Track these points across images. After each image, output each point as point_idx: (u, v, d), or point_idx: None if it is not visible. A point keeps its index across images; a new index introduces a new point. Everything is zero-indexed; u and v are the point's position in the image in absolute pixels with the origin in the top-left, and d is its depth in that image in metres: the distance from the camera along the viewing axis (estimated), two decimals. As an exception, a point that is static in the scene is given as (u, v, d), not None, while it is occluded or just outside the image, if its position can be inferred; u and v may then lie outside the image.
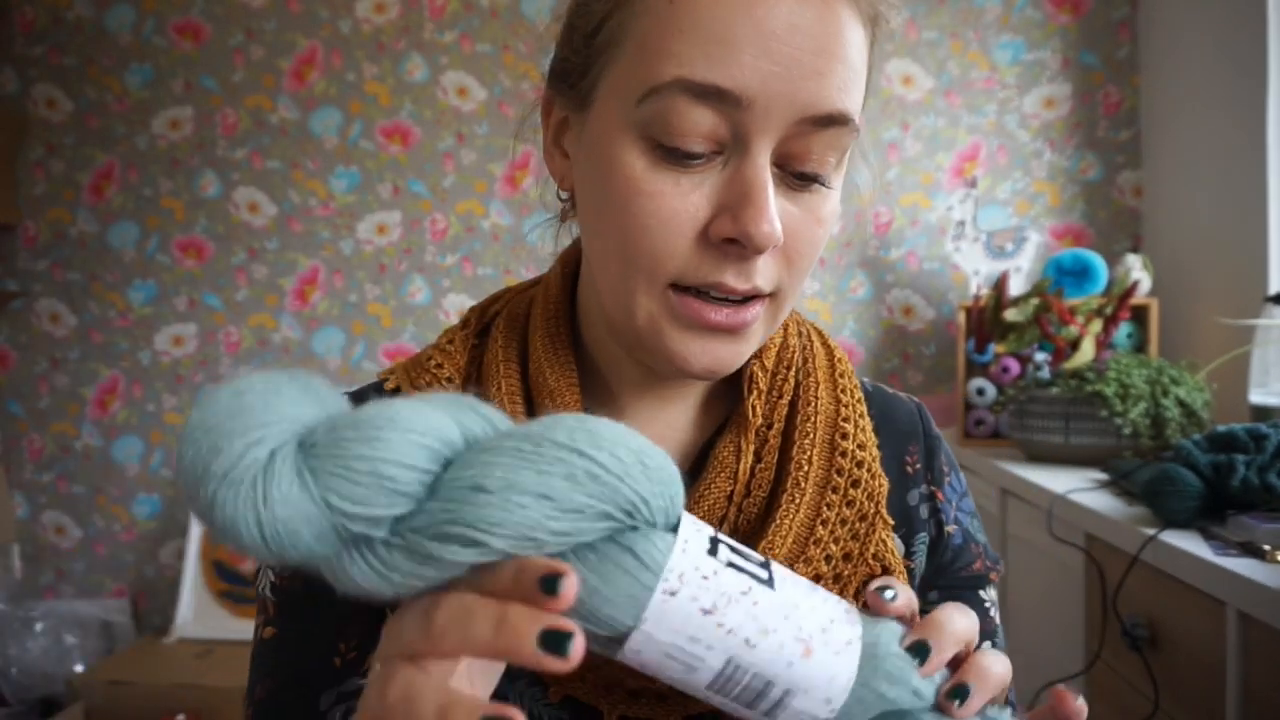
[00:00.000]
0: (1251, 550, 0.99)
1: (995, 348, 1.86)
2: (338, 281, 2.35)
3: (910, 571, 0.55)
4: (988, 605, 0.57)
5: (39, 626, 2.22)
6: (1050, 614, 1.47)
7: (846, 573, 0.50)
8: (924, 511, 0.57)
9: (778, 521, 0.49)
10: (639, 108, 0.43)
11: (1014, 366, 1.84)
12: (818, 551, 0.49)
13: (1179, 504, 1.11)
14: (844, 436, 0.52)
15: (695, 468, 0.53)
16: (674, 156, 0.43)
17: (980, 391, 1.89)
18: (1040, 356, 1.77)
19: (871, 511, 0.51)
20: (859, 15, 0.44)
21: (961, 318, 1.93)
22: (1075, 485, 1.39)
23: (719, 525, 0.50)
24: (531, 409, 0.52)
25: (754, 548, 0.48)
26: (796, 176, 0.44)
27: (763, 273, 0.45)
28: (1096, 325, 1.69)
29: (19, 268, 2.41)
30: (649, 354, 0.48)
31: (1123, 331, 1.82)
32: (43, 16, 2.38)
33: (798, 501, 0.49)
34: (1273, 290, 1.59)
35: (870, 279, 2.21)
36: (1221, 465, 1.12)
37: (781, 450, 0.52)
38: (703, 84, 0.41)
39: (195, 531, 2.25)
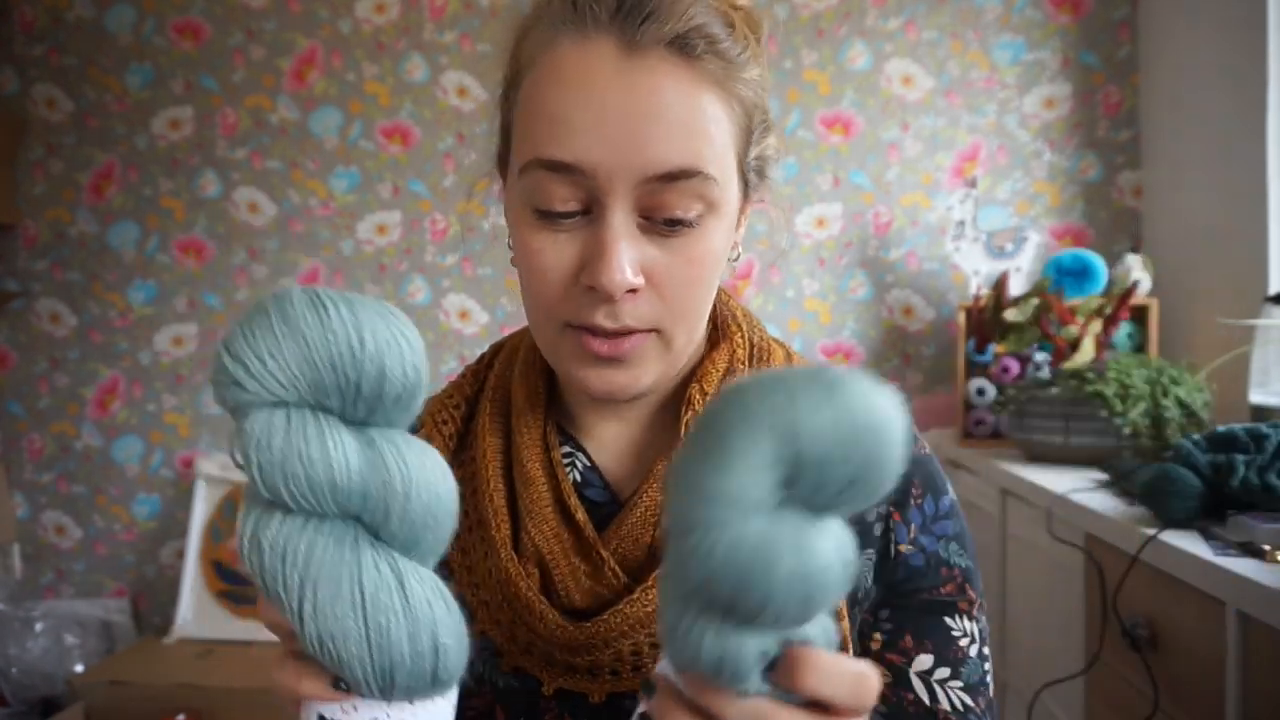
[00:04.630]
0: (1251, 550, 0.99)
1: (995, 348, 1.86)
2: (338, 281, 2.35)
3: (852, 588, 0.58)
4: (955, 634, 0.58)
5: (39, 626, 2.22)
6: (1050, 614, 1.47)
7: None
8: (878, 529, 0.59)
9: None
10: (520, 182, 0.52)
11: (1014, 366, 1.84)
12: None
13: (1179, 504, 1.11)
14: None
15: None
16: (547, 218, 0.51)
17: (980, 391, 1.89)
18: (1040, 356, 1.77)
19: None
20: (704, 81, 0.50)
21: (961, 318, 1.93)
22: (1075, 485, 1.39)
23: (651, 530, 0.56)
24: (509, 425, 0.61)
25: None
26: (663, 223, 0.51)
27: (633, 313, 0.51)
28: (1096, 325, 1.69)
29: (19, 268, 2.41)
30: (565, 381, 0.55)
31: (1123, 331, 1.82)
32: (43, 16, 2.38)
33: None
34: (1273, 290, 1.59)
35: (870, 279, 2.21)
36: (1221, 465, 1.12)
37: None
38: (551, 160, 0.49)
39: (195, 531, 2.25)
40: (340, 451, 0.37)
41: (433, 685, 0.39)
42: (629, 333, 0.51)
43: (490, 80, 2.28)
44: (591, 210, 0.50)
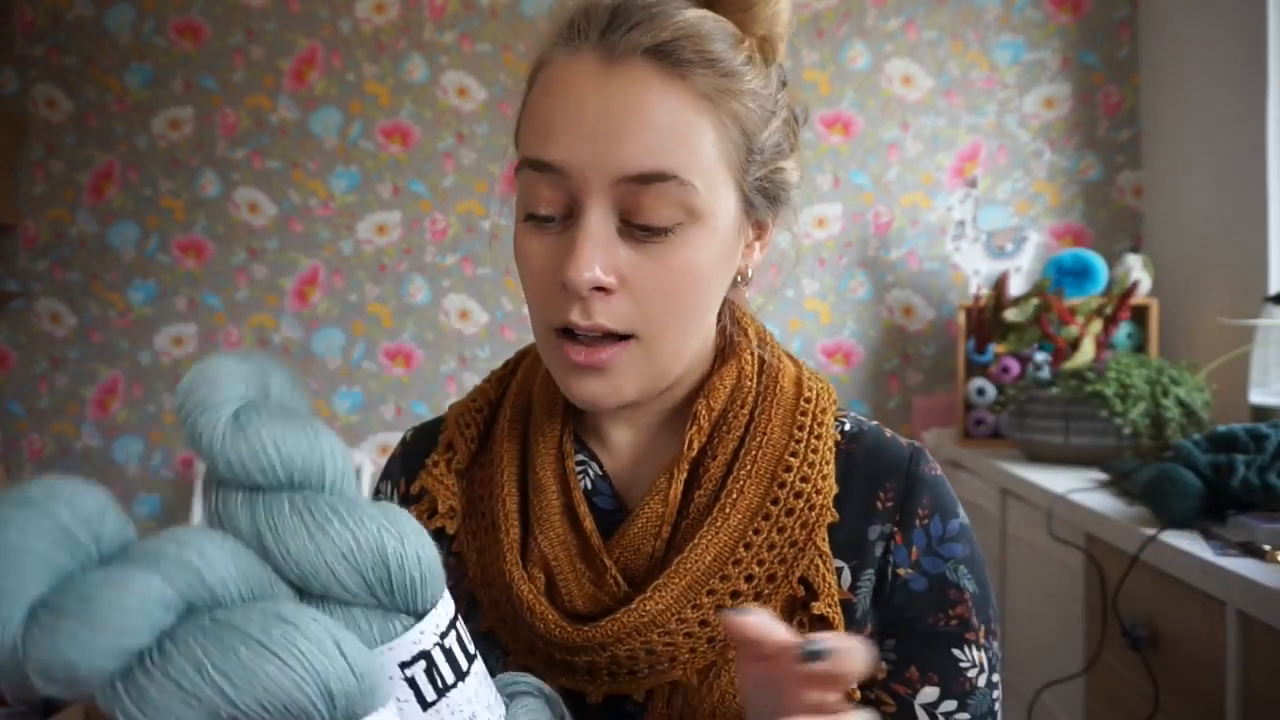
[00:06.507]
0: (1251, 550, 0.99)
1: (995, 348, 1.86)
2: (338, 281, 2.35)
3: (850, 605, 0.57)
4: (963, 665, 0.57)
5: (39, 626, 2.22)
6: (1050, 614, 1.47)
7: (768, 591, 0.56)
8: (879, 549, 0.58)
9: (697, 542, 0.55)
10: (517, 188, 0.54)
11: (1014, 366, 1.84)
12: (737, 571, 0.55)
13: (1179, 504, 1.11)
14: (787, 469, 0.57)
15: None
16: (535, 222, 0.53)
17: (980, 391, 1.89)
18: (1040, 356, 1.77)
19: (803, 539, 0.56)
20: (688, 92, 0.51)
21: (961, 318, 1.93)
22: (1075, 485, 1.39)
23: (653, 541, 0.57)
24: (527, 432, 0.62)
25: (675, 564, 0.55)
26: (640, 229, 0.52)
27: (605, 312, 0.52)
28: (1096, 325, 1.69)
29: (19, 268, 2.41)
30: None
31: (1123, 331, 1.82)
32: (43, 16, 2.38)
33: (719, 525, 0.55)
34: (1273, 290, 1.59)
35: (870, 279, 2.21)
36: (1221, 465, 1.12)
37: (722, 479, 0.57)
38: (534, 159, 0.52)
39: (195, 531, 2.25)
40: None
41: None
42: (605, 338, 0.52)
43: (490, 80, 2.28)
44: (572, 213, 0.52)
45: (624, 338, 0.53)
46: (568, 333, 0.53)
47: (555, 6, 0.56)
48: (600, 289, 0.51)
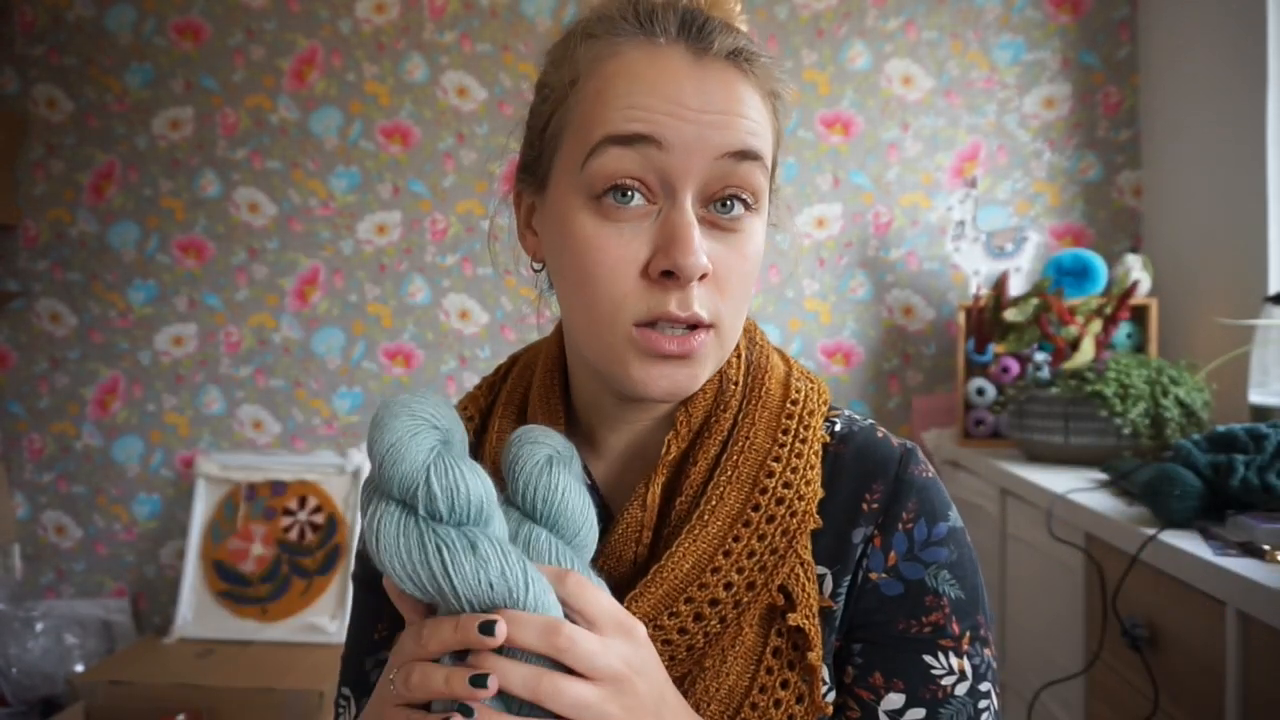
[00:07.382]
0: (1251, 550, 0.99)
1: (995, 348, 1.86)
2: (338, 281, 2.35)
3: (831, 613, 0.57)
4: (936, 672, 0.56)
5: (39, 626, 2.22)
6: (1050, 614, 1.47)
7: (747, 599, 0.55)
8: (859, 552, 0.58)
9: (675, 549, 0.54)
10: (581, 173, 0.52)
11: (1014, 366, 1.84)
12: (716, 579, 0.54)
13: (1179, 504, 1.11)
14: (769, 475, 0.56)
15: None
16: (612, 205, 0.51)
17: (980, 391, 1.89)
18: (1040, 356, 1.77)
19: (784, 546, 0.55)
20: (757, 89, 0.54)
21: (961, 318, 1.93)
22: (1075, 485, 1.39)
23: (634, 547, 0.57)
24: None
25: (652, 572, 0.55)
26: (720, 210, 0.53)
27: (700, 301, 0.52)
28: (1096, 325, 1.69)
29: (19, 268, 2.41)
30: (619, 384, 0.54)
31: (1123, 331, 1.82)
32: (43, 16, 2.38)
33: (698, 532, 0.55)
34: (1273, 290, 1.59)
35: (870, 279, 2.21)
36: (1221, 465, 1.12)
37: (703, 485, 0.57)
38: (625, 133, 0.51)
39: (195, 531, 2.25)
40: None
41: None
42: (695, 327, 0.52)
43: (490, 80, 2.28)
44: (657, 199, 0.52)
45: (707, 326, 0.53)
46: (648, 324, 0.52)
47: (576, 4, 0.56)
48: (701, 276, 0.52)
